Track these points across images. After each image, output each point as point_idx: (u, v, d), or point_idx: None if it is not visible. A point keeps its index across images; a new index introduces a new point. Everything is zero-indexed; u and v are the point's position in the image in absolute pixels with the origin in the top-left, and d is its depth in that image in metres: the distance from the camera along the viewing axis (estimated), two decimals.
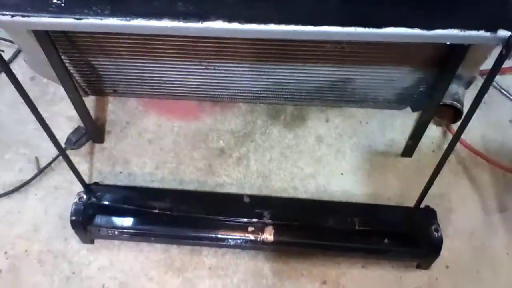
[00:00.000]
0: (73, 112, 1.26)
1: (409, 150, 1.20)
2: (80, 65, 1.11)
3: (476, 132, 1.25)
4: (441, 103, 1.03)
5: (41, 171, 1.20)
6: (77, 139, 1.22)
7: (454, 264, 1.11)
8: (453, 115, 1.05)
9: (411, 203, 1.09)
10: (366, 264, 1.10)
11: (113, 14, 0.72)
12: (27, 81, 1.33)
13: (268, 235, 1.05)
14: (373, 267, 1.10)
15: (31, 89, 1.31)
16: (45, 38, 0.91)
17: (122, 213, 1.08)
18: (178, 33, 0.72)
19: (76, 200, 1.07)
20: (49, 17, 0.72)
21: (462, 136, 1.20)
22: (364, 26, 0.69)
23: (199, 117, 1.29)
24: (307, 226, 1.07)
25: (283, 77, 1.13)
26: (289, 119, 1.28)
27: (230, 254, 1.11)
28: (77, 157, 1.22)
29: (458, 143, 1.22)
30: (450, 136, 1.23)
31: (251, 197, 1.12)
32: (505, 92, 1.25)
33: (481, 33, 0.69)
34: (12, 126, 1.27)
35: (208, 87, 1.18)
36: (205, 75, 1.13)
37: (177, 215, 1.08)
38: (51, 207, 1.16)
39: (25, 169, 1.21)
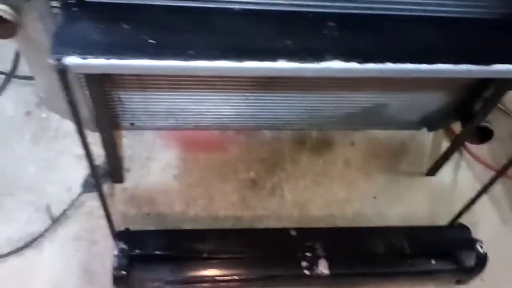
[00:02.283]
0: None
1: (434, 169, 1.24)
2: (108, 100, 0.99)
3: (484, 147, 1.34)
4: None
5: (55, 220, 1.05)
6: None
7: (487, 276, 1.16)
8: (482, 136, 1.11)
9: (440, 221, 1.14)
10: (412, 286, 1.12)
11: (224, 55, 0.64)
12: (21, 116, 1.16)
13: (323, 269, 1.02)
14: None
15: (28, 125, 1.15)
16: (95, 78, 0.80)
17: (167, 262, 0.98)
18: (291, 74, 0.67)
19: (115, 252, 0.95)
20: (148, 59, 0.63)
21: (475, 152, 1.28)
22: (474, 63, 0.70)
23: (224, 147, 1.22)
24: (360, 255, 1.06)
25: (319, 104, 1.11)
26: (315, 145, 1.26)
27: None
28: (95, 201, 1.09)
29: (473, 159, 1.31)
30: (466, 155, 1.30)
31: (298, 230, 1.08)
32: (503, 109, 1.36)
33: None
34: (8, 169, 1.10)
35: (239, 116, 1.12)
36: (241, 105, 1.07)
37: (227, 257, 1.01)
38: (72, 260, 1.03)
39: (33, 219, 1.06)
